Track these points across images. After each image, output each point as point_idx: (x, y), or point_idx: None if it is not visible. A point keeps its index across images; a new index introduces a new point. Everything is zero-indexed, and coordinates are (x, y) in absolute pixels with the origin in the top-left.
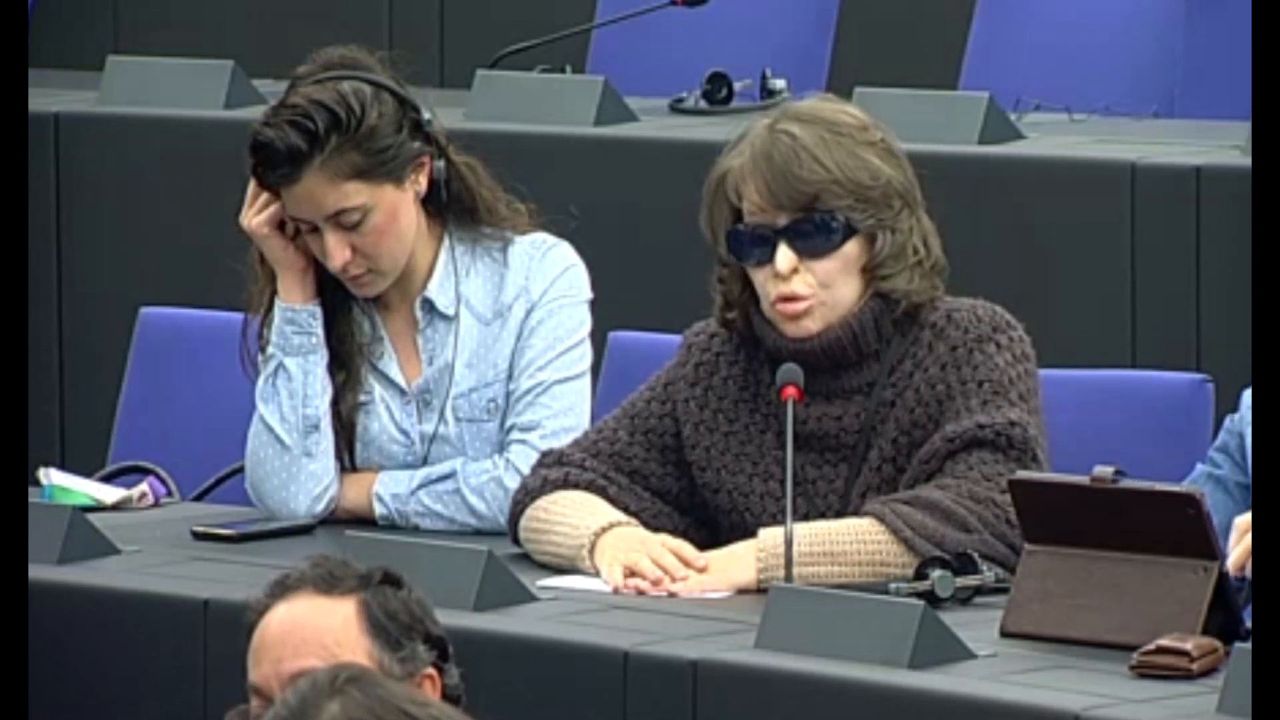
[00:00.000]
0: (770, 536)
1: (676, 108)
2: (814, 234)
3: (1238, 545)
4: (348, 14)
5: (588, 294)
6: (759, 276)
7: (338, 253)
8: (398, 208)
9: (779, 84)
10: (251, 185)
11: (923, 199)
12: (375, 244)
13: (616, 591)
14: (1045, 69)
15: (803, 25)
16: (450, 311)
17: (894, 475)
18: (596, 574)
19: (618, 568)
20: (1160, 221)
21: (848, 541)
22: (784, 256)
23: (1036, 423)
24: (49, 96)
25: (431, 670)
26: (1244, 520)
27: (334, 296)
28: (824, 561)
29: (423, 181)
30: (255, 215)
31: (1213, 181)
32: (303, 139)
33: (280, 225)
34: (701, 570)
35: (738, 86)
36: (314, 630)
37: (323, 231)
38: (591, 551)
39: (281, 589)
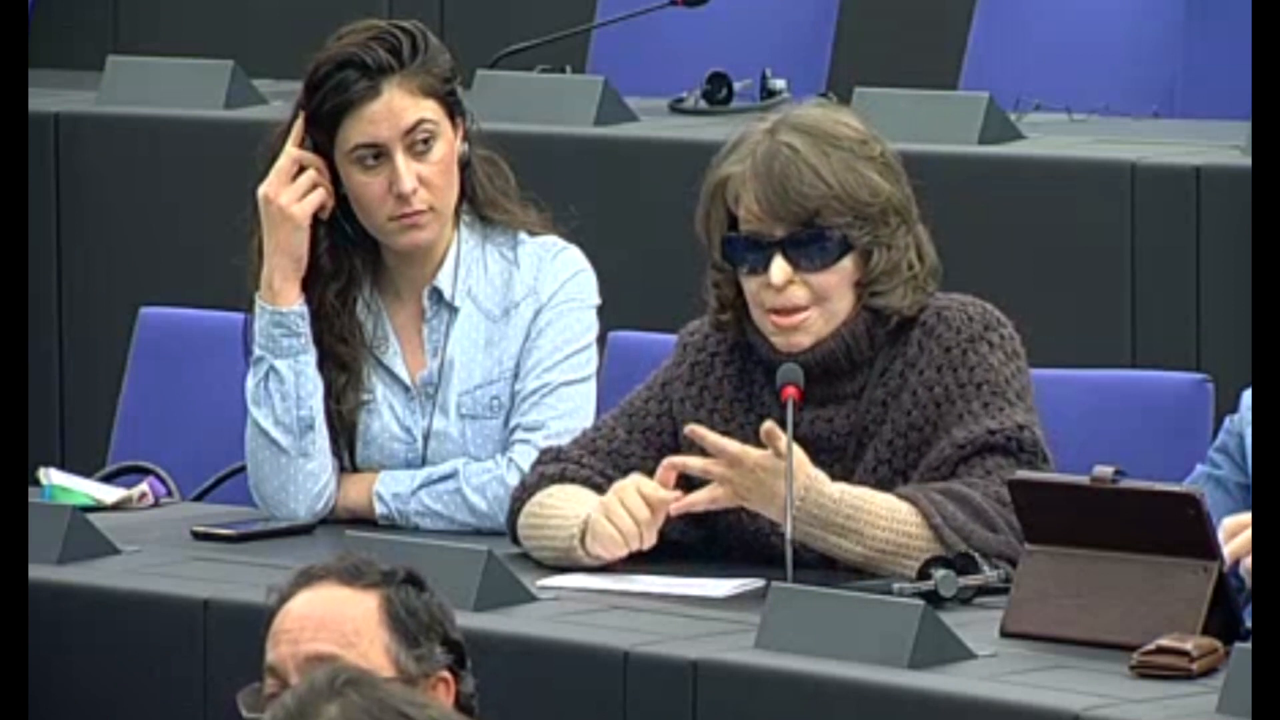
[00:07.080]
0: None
1: (676, 108)
2: (810, 247)
3: (1228, 544)
4: (348, 14)
5: (596, 299)
6: (752, 284)
7: (409, 176)
8: (453, 151)
9: (779, 84)
10: (285, 162)
11: (919, 211)
12: (440, 175)
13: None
14: (1045, 69)
15: (803, 25)
16: (457, 302)
17: (890, 477)
18: (591, 561)
19: (599, 520)
20: (1160, 221)
21: (882, 526)
22: (779, 268)
23: (1036, 421)
24: (49, 96)
25: (446, 674)
26: (1231, 523)
27: (337, 296)
28: (852, 538)
29: (460, 144)
30: (298, 200)
31: (1213, 181)
32: (389, 54)
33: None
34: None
35: (738, 86)
36: (335, 617)
37: (393, 155)
38: (582, 539)
39: (306, 578)
